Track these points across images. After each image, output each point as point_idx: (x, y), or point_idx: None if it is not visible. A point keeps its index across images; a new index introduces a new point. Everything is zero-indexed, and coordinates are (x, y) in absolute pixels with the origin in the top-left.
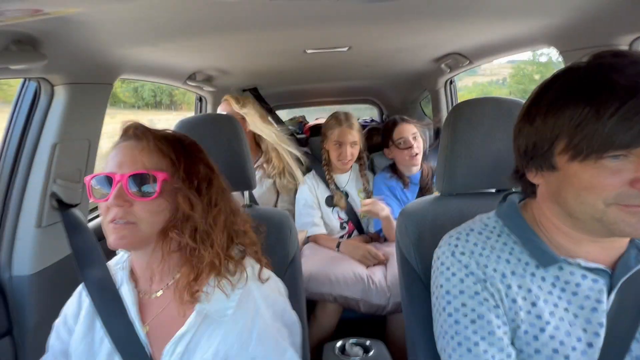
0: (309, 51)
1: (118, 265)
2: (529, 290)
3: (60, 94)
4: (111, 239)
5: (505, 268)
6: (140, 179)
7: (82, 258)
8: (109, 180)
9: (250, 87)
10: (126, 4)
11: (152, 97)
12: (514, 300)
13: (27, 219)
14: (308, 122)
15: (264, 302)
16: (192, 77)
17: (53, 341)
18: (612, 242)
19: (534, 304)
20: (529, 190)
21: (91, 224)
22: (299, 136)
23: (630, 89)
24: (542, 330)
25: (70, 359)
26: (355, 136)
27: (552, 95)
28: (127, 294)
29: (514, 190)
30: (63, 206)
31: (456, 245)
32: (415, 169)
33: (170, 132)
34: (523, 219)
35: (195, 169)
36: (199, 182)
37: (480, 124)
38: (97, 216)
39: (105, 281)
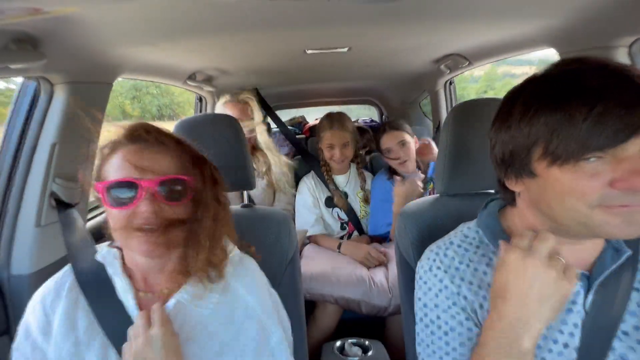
0: (309, 51)
1: (106, 260)
2: None
3: (60, 93)
4: (142, 248)
5: (482, 280)
6: (168, 183)
7: (76, 255)
8: (131, 185)
9: (250, 87)
10: (126, 3)
11: (157, 111)
12: (489, 311)
13: (26, 218)
14: (308, 123)
15: (249, 294)
16: (192, 77)
17: None
18: (590, 244)
19: None
20: (509, 198)
21: (90, 224)
22: (298, 136)
23: (597, 92)
24: None
25: None
26: (346, 137)
27: (524, 103)
28: (121, 288)
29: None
30: (62, 206)
31: (434, 260)
32: (412, 170)
33: (174, 134)
34: (501, 229)
35: (205, 171)
36: (207, 183)
37: (479, 125)
38: (96, 216)
39: (100, 278)
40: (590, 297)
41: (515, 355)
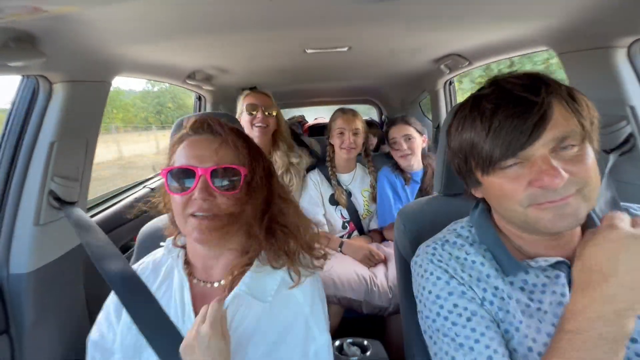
0: (309, 51)
1: (172, 254)
2: (503, 291)
3: (59, 92)
4: (194, 234)
5: (481, 272)
6: (223, 173)
7: (97, 254)
8: (189, 173)
9: (250, 86)
10: (125, 2)
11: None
12: (491, 303)
13: (25, 217)
14: (307, 122)
15: (302, 295)
16: (191, 76)
17: (93, 335)
18: (567, 237)
19: (508, 304)
20: (485, 204)
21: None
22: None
23: (493, 111)
24: (517, 329)
25: (115, 352)
26: (357, 124)
27: (455, 124)
28: (179, 282)
29: None
30: (62, 204)
31: (433, 254)
32: (416, 167)
33: (232, 126)
34: (492, 227)
35: (261, 163)
36: (265, 176)
37: None
38: (96, 214)
39: (127, 273)
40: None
41: (620, 340)
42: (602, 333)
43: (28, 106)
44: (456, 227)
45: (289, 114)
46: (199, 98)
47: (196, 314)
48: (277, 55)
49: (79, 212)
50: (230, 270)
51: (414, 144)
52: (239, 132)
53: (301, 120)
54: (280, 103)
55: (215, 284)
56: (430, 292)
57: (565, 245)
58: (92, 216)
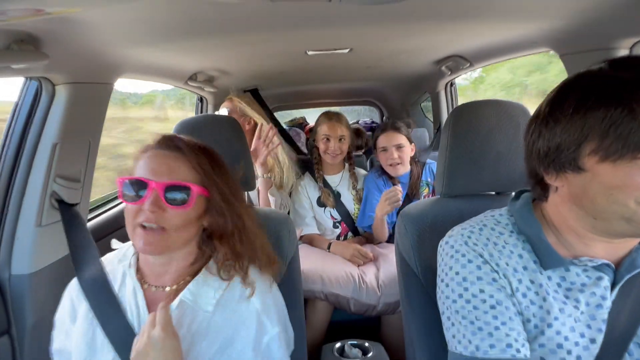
0: (310, 52)
1: (123, 262)
2: (540, 285)
3: (62, 94)
4: (139, 244)
5: (517, 263)
6: (175, 189)
7: (79, 258)
8: (142, 185)
9: (251, 87)
10: (128, 4)
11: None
12: (524, 295)
13: (27, 218)
14: (308, 124)
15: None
16: (193, 77)
17: (56, 345)
18: (624, 242)
19: (544, 299)
20: (541, 193)
21: (90, 224)
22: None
23: None
24: (550, 325)
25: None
26: (343, 131)
27: (578, 97)
28: (131, 287)
29: (524, 190)
30: (63, 205)
31: (469, 237)
32: (402, 171)
33: (199, 144)
34: (535, 219)
35: (223, 181)
36: (225, 194)
37: (480, 127)
38: (96, 216)
39: (100, 280)
40: (615, 293)
41: None
42: None
43: (30, 108)
44: (494, 214)
45: (290, 115)
46: (201, 100)
47: None
48: (278, 57)
49: (75, 213)
50: (179, 277)
51: (404, 153)
52: (204, 151)
53: (302, 122)
54: (281, 105)
55: (167, 289)
56: (457, 274)
57: (618, 250)
58: (92, 218)
